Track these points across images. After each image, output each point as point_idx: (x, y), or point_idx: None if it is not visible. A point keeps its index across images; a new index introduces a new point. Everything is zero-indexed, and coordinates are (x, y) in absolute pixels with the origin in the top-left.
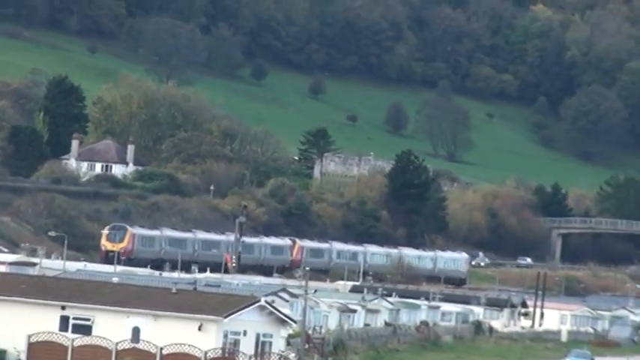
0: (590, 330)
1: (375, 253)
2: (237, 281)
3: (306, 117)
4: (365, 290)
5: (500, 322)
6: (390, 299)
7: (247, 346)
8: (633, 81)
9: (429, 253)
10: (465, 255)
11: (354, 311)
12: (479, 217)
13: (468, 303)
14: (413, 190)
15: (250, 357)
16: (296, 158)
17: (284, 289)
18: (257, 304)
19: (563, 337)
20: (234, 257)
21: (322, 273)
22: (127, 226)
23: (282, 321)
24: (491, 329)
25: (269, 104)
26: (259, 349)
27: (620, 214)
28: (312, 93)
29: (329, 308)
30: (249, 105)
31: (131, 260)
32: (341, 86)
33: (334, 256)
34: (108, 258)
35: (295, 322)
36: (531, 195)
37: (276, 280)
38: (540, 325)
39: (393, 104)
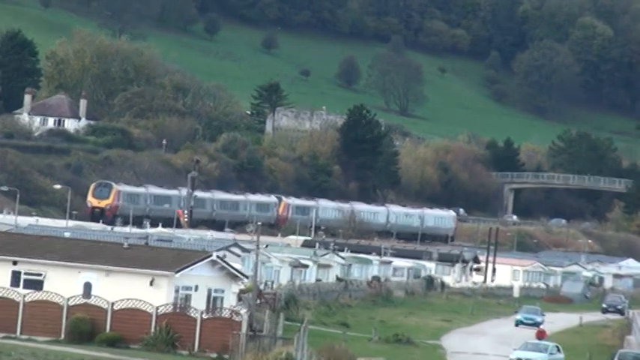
0: (543, 286)
1: (362, 211)
2: (188, 236)
3: (259, 72)
4: (317, 245)
5: (452, 277)
6: (341, 254)
7: (199, 302)
8: (586, 36)
9: (417, 211)
10: (452, 213)
11: (306, 266)
12: (431, 171)
13: (419, 258)
14: (365, 144)
15: (202, 312)
16: (248, 113)
17: (236, 244)
18: (208, 259)
19: (516, 293)
20: (186, 212)
21: (272, 228)
22: (112, 183)
23: (233, 276)
24: (443, 285)
25: (222, 59)
26: (211, 305)
27: (572, 169)
28: (264, 48)
29: (281, 263)
30: (202, 60)
31: (116, 217)
32: (294, 41)
33: (321, 213)
34: (94, 214)
35: (247, 277)
36: (483, 150)
37: (227, 235)
38: (492, 280)
39: (346, 59)
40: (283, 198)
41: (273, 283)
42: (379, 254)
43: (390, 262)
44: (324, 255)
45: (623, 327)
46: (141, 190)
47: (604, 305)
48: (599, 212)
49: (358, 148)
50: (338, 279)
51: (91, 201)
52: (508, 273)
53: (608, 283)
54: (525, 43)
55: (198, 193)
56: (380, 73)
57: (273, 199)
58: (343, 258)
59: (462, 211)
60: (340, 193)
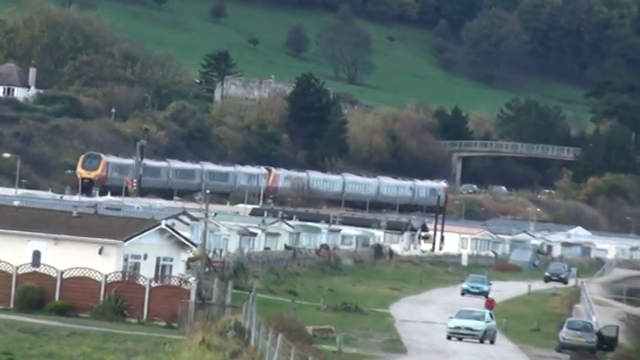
0: (491, 254)
1: (352, 181)
2: (137, 204)
3: (208, 40)
4: (265, 213)
5: (400, 245)
6: (290, 222)
7: (147, 270)
8: (534, 4)
9: (408, 183)
10: (443, 184)
11: (255, 234)
12: (379, 140)
13: (368, 226)
14: (313, 113)
15: (151, 280)
16: (197, 81)
17: (184, 213)
18: (157, 228)
19: (464, 261)
20: (134, 180)
21: (223, 196)
22: (102, 155)
23: (182, 244)
24: (391, 253)
25: (171, 28)
26: (159, 273)
27: (520, 137)
28: (213, 16)
29: (229, 231)
30: (151, 29)
31: (105, 187)
32: (242, 9)
33: (312, 184)
34: (84, 185)
35: (195, 245)
36: (432, 118)
37: (176, 204)
38: (441, 248)
39: (294, 27)
40: (273, 169)
41: (221, 251)
42: (328, 222)
43: (338, 231)
44: (273, 223)
45: (572, 295)
46: (129, 161)
47: (547, 274)
48: (548, 180)
49: (306, 116)
50: (286, 247)
51: (81, 172)
52: (456, 241)
53: (557, 251)
54: (474, 12)
55: (188, 165)
56: (328, 42)
57: (262, 170)
58: (292, 226)
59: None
60: (288, 161)
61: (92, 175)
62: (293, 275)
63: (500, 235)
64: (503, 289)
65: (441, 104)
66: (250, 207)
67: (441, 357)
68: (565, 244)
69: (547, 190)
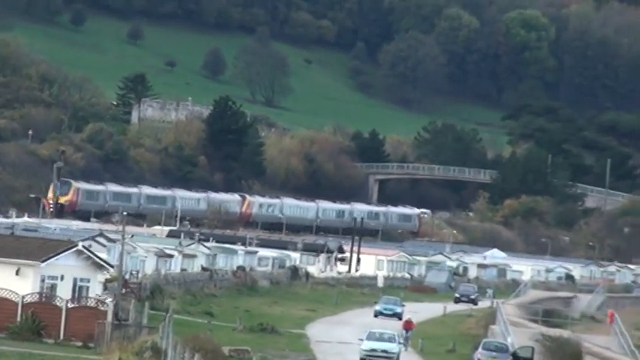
0: (407, 275)
1: (326, 209)
2: (54, 226)
3: (125, 62)
4: (182, 235)
5: (316, 267)
6: (207, 244)
7: (64, 291)
8: (451, 27)
9: (382, 209)
10: (416, 210)
11: (171, 256)
12: (296, 162)
13: (284, 248)
14: (230, 135)
15: (67, 301)
16: (114, 103)
17: (101, 234)
18: (74, 249)
19: (380, 283)
20: (51, 202)
21: (139, 218)
22: (72, 181)
23: (99, 265)
24: (307, 274)
25: (88, 50)
26: (76, 294)
27: (437, 159)
28: (130, 38)
29: (146, 253)
30: (69, 51)
31: (75, 212)
32: (159, 32)
33: (285, 210)
34: (57, 210)
35: (112, 266)
36: (349, 141)
37: (93, 225)
38: (357, 270)
39: (212, 50)
40: (247, 196)
41: (138, 272)
42: (244, 244)
43: (255, 252)
44: (190, 245)
45: (488, 316)
46: (100, 187)
47: (457, 295)
48: (464, 203)
49: (223, 138)
50: (203, 269)
51: (50, 196)
52: (372, 263)
53: (473, 273)
54: (391, 35)
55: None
56: (245, 64)
57: (236, 197)
58: (208, 248)
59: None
60: (205, 183)
61: (63, 200)
62: (209, 296)
63: (416, 257)
64: (419, 311)
65: (358, 127)
66: (167, 229)
67: None
68: (481, 266)
69: (463, 212)
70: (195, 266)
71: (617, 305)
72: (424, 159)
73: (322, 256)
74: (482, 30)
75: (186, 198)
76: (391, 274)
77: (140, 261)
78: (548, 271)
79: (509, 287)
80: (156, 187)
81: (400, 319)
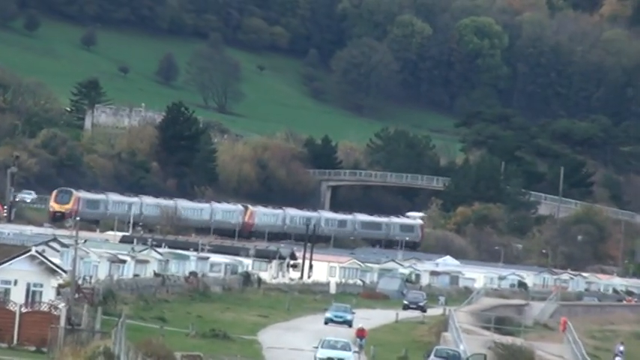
0: (359, 282)
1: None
2: (8, 231)
3: (78, 68)
4: (134, 241)
5: (268, 273)
6: (159, 250)
7: (18, 296)
8: (404, 34)
9: (384, 219)
10: (418, 220)
11: (124, 261)
12: (249, 168)
13: (237, 254)
14: (183, 141)
15: (21, 306)
16: (68, 109)
17: (55, 239)
18: (28, 254)
19: (332, 289)
20: (5, 207)
21: (93, 223)
22: (73, 190)
23: (52, 271)
24: (259, 280)
25: (42, 55)
26: (29, 299)
27: (390, 166)
28: (84, 44)
29: (99, 258)
30: (22, 56)
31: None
32: (113, 37)
33: (288, 220)
34: (55, 218)
35: (65, 271)
36: (301, 147)
37: (47, 230)
38: (309, 276)
39: (165, 56)
40: (249, 206)
41: (91, 277)
42: (197, 250)
43: (207, 258)
44: (142, 251)
45: (440, 324)
46: (100, 196)
47: (405, 302)
48: (417, 210)
49: (176, 145)
50: (155, 274)
51: (53, 205)
52: (325, 269)
53: (425, 280)
54: (344, 41)
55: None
56: (198, 70)
57: (239, 207)
58: (161, 254)
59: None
60: (158, 189)
61: (64, 208)
62: (162, 302)
63: (368, 264)
64: (371, 317)
65: (311, 133)
66: (120, 234)
67: None
68: (433, 273)
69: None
70: (148, 272)
71: (570, 313)
72: (377, 165)
73: (274, 263)
74: (435, 37)
75: (188, 208)
76: (343, 281)
77: (93, 266)
78: (501, 278)
79: (461, 294)
80: (157, 197)
81: (350, 326)
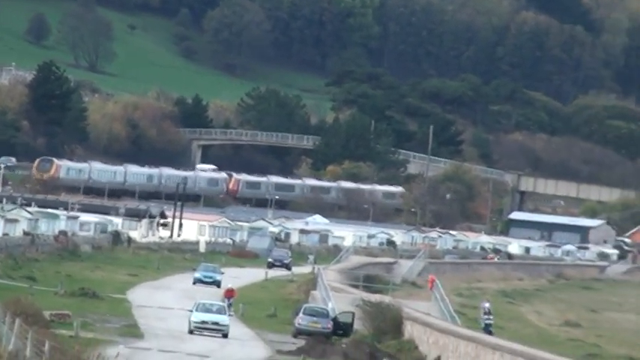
0: (229, 241)
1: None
2: None
3: None
4: (4, 200)
5: (139, 232)
6: (29, 209)
7: None
8: None
9: (367, 187)
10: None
11: None
12: (119, 127)
13: (107, 213)
14: (54, 100)
15: None
16: None
17: None
18: None
19: (202, 248)
20: None
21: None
22: (54, 159)
23: None
24: (129, 239)
25: None
26: None
27: (260, 125)
28: None
29: None
30: None
31: (58, 188)
32: None
33: (271, 188)
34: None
35: None
36: (172, 106)
37: None
38: (179, 235)
39: (36, 15)
40: (234, 174)
41: None
42: (67, 209)
43: (77, 217)
44: (12, 210)
45: (309, 282)
46: (83, 165)
47: (270, 260)
48: (287, 168)
49: (47, 103)
50: (25, 233)
51: (35, 174)
52: (195, 228)
53: (295, 238)
54: (216, 1)
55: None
56: (70, 30)
57: (223, 175)
58: (30, 213)
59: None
60: (28, 148)
61: (45, 176)
62: (31, 261)
63: (238, 223)
64: (241, 276)
65: (182, 93)
66: None
67: (177, 342)
68: (302, 232)
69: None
70: (17, 231)
71: (438, 271)
72: (247, 125)
73: (144, 222)
74: None
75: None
76: (213, 240)
77: None
78: (370, 237)
79: (331, 253)
80: (143, 166)
81: (219, 286)
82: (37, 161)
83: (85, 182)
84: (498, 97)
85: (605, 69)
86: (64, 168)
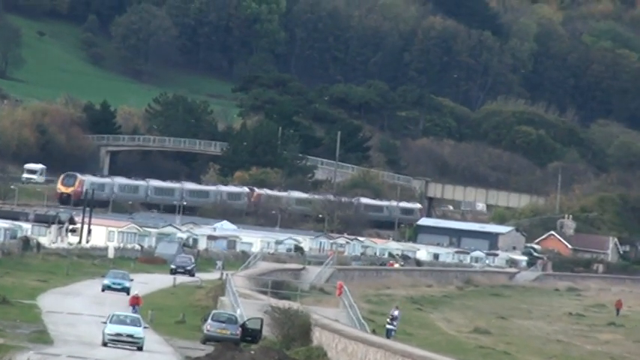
0: (137, 247)
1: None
2: None
3: None
4: None
5: (48, 238)
6: None
7: None
8: (183, 0)
9: (384, 203)
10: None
11: None
12: (28, 133)
13: (16, 219)
14: None
15: None
16: None
17: None
18: None
19: (110, 254)
20: None
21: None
22: (77, 174)
23: None
24: (39, 245)
25: None
26: None
27: (168, 131)
28: None
29: None
30: None
31: (81, 201)
32: None
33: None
34: (62, 199)
35: None
36: (81, 112)
37: None
38: (88, 241)
39: None
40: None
41: None
42: None
43: None
44: None
45: (217, 288)
46: (106, 180)
47: (173, 266)
48: (195, 174)
49: None
50: None
51: (60, 188)
52: (103, 234)
53: (203, 244)
54: (123, 7)
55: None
56: None
57: (244, 189)
58: None
59: None
60: None
61: (69, 190)
62: None
63: (146, 228)
64: (149, 282)
65: (90, 99)
66: None
67: (87, 348)
68: (211, 238)
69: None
70: None
71: (346, 277)
72: (155, 131)
73: (54, 227)
74: (213, 2)
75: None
76: (122, 245)
77: None
78: (278, 243)
79: (239, 259)
80: (164, 180)
81: (128, 293)
82: (62, 176)
83: (107, 197)
84: (405, 103)
85: (514, 74)
86: (87, 183)
